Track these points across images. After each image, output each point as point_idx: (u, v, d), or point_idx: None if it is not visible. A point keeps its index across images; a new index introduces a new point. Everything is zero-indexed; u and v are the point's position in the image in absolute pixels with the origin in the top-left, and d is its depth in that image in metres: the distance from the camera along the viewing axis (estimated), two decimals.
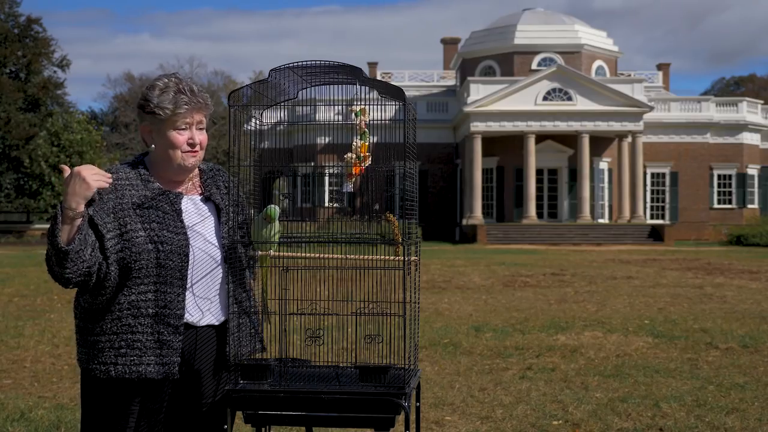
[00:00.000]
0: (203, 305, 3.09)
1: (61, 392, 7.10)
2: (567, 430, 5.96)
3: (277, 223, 3.12)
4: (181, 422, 3.12)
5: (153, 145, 3.10)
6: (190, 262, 3.04)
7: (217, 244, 3.13)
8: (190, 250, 3.05)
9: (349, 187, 3.15)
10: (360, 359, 3.13)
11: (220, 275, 3.12)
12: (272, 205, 3.11)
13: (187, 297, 3.04)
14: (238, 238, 3.12)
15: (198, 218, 3.13)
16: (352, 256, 3.06)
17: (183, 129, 3.06)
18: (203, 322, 3.09)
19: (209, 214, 3.17)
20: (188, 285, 3.04)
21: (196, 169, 3.22)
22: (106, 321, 2.98)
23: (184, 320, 3.03)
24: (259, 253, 3.15)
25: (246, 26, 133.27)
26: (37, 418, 6.11)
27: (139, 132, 3.15)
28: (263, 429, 3.23)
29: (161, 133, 3.07)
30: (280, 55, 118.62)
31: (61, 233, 2.84)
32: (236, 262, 3.11)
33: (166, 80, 3.07)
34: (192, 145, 3.08)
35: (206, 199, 3.18)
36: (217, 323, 3.12)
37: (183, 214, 3.09)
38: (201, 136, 3.10)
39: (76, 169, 2.87)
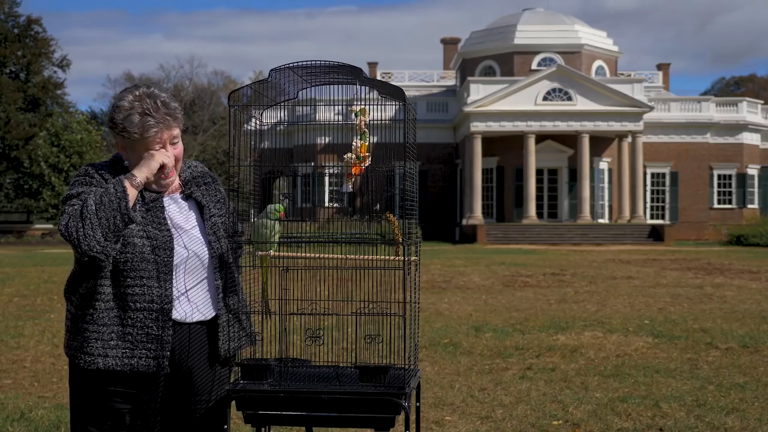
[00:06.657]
0: (192, 301, 3.07)
1: (61, 392, 7.10)
2: (567, 430, 5.96)
3: (277, 223, 3.12)
4: (180, 418, 3.11)
5: (127, 162, 3.08)
6: (175, 259, 3.02)
7: (203, 240, 3.11)
8: (176, 246, 3.04)
9: (348, 187, 3.16)
10: (360, 359, 3.13)
11: (207, 271, 3.10)
12: (276, 204, 3.11)
13: (175, 294, 3.03)
14: (240, 238, 3.12)
15: (180, 215, 3.12)
16: (352, 256, 3.06)
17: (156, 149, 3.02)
18: (193, 319, 3.07)
19: (191, 211, 3.16)
20: (175, 281, 3.03)
21: None
22: (98, 311, 2.97)
23: (174, 317, 3.02)
24: (259, 253, 3.15)
25: (259, 27, 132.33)
26: (37, 418, 6.11)
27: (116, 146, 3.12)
28: (263, 429, 3.22)
29: (135, 152, 3.03)
30: (291, 57, 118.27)
31: (130, 202, 2.89)
32: (224, 257, 3.11)
33: (131, 99, 2.99)
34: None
35: (187, 197, 3.17)
36: (206, 319, 3.11)
37: (166, 211, 3.07)
38: (176, 151, 3.06)
39: (153, 152, 2.97)
